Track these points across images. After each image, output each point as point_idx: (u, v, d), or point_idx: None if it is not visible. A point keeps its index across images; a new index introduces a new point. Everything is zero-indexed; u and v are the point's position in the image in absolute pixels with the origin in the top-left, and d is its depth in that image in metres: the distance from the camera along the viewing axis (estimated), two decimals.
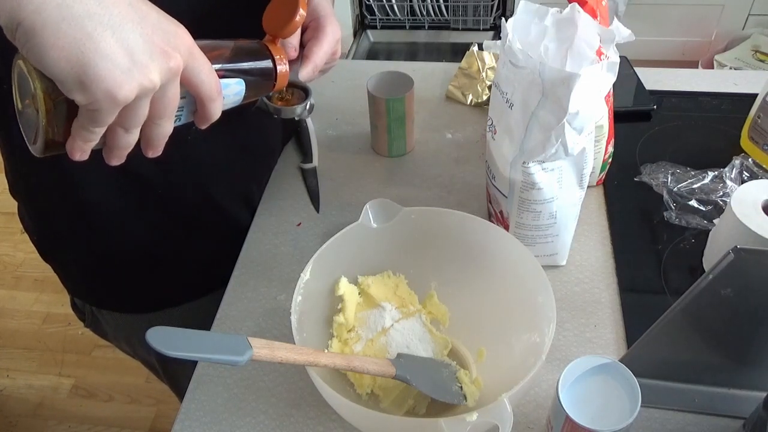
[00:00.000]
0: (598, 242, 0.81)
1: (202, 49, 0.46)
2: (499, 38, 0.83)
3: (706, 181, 0.85)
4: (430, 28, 2.08)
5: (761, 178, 0.84)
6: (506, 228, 0.74)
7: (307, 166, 0.94)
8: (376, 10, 2.07)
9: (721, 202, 0.82)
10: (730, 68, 2.07)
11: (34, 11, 0.37)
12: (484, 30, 2.05)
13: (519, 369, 0.58)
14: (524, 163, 0.67)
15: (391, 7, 2.02)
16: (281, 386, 0.69)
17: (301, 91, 0.63)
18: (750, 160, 0.86)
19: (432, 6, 2.00)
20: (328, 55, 0.62)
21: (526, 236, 0.74)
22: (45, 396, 1.76)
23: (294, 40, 0.59)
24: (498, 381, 0.62)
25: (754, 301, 0.56)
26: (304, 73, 0.60)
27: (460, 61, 1.08)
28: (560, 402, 0.54)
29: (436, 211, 0.70)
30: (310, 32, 0.62)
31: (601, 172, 0.86)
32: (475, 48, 1.09)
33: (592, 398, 0.55)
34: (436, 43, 2.09)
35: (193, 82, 0.45)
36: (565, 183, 0.69)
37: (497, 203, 0.75)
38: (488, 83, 1.03)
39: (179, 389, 0.96)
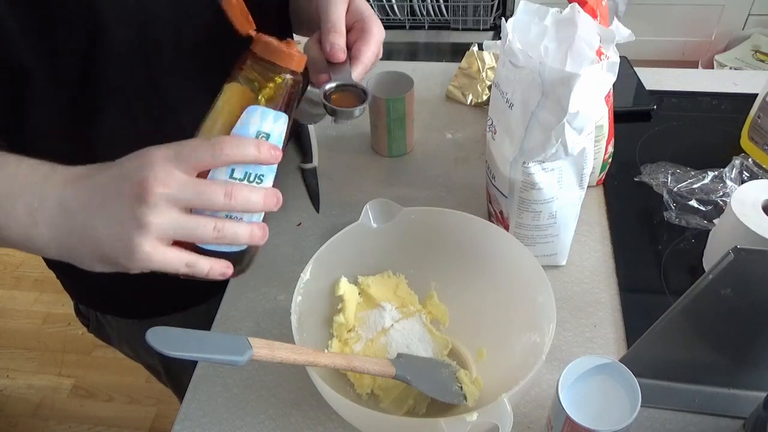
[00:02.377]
0: (598, 242, 0.81)
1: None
2: (499, 38, 0.83)
3: (706, 181, 0.85)
4: (430, 28, 2.08)
5: (761, 178, 0.84)
6: (506, 228, 0.74)
7: (307, 166, 0.94)
8: (376, 10, 2.07)
9: (721, 202, 0.82)
10: (730, 68, 2.06)
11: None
12: (484, 30, 2.04)
13: (519, 369, 0.58)
14: (524, 163, 0.67)
15: (391, 7, 2.02)
16: (281, 386, 0.69)
17: (359, 91, 0.61)
18: (750, 160, 0.86)
19: (432, 6, 2.00)
20: (375, 56, 0.62)
21: (526, 236, 0.74)
22: (45, 396, 1.76)
23: (341, 41, 0.59)
24: (498, 381, 0.62)
25: (754, 301, 0.55)
26: (356, 75, 0.60)
27: (460, 61, 1.08)
28: (560, 402, 0.54)
29: (436, 211, 0.70)
30: (355, 33, 0.62)
31: (601, 172, 0.86)
32: (475, 48, 1.09)
33: (592, 398, 0.55)
34: (436, 43, 2.09)
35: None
36: (565, 183, 0.69)
37: (497, 203, 0.75)
38: (488, 83, 1.03)
39: (182, 392, 0.96)
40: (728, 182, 0.84)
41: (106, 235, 0.45)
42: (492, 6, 1.98)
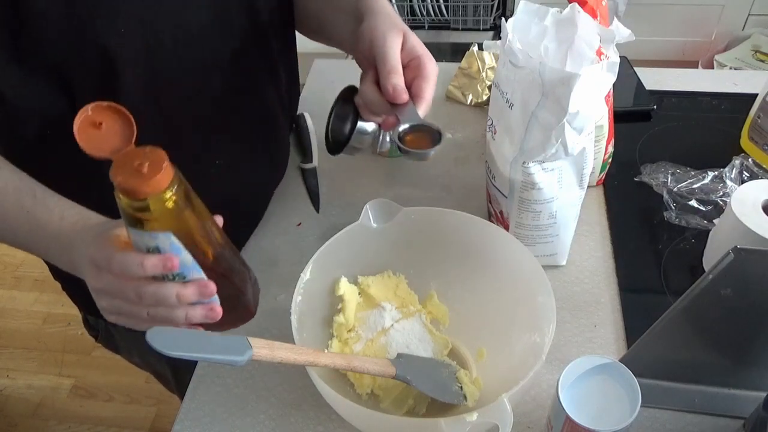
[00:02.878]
0: (598, 242, 0.81)
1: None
2: (499, 38, 0.83)
3: (706, 181, 0.85)
4: (430, 28, 2.08)
5: (761, 178, 0.84)
6: (506, 228, 0.74)
7: (307, 166, 0.94)
8: None
9: (721, 202, 0.82)
10: (730, 68, 2.06)
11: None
12: (484, 30, 2.04)
13: (519, 369, 0.58)
14: (524, 163, 0.67)
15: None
16: (281, 386, 0.69)
17: (432, 131, 0.61)
18: (750, 160, 0.86)
19: (432, 6, 2.00)
20: (434, 91, 0.62)
21: (526, 236, 0.74)
22: (45, 396, 1.76)
23: (402, 82, 0.60)
24: (498, 381, 0.62)
25: (754, 301, 0.55)
26: (422, 112, 0.61)
27: (460, 61, 1.08)
28: (560, 402, 0.54)
29: (436, 211, 0.70)
30: (411, 71, 0.62)
31: (601, 172, 0.86)
32: (475, 48, 1.09)
33: (592, 398, 0.55)
34: (436, 43, 2.09)
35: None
36: (565, 183, 0.69)
37: (497, 203, 0.75)
38: (488, 83, 1.03)
39: None
40: (728, 182, 0.84)
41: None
42: (492, 6, 1.98)
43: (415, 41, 0.63)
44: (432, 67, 0.62)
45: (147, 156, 0.44)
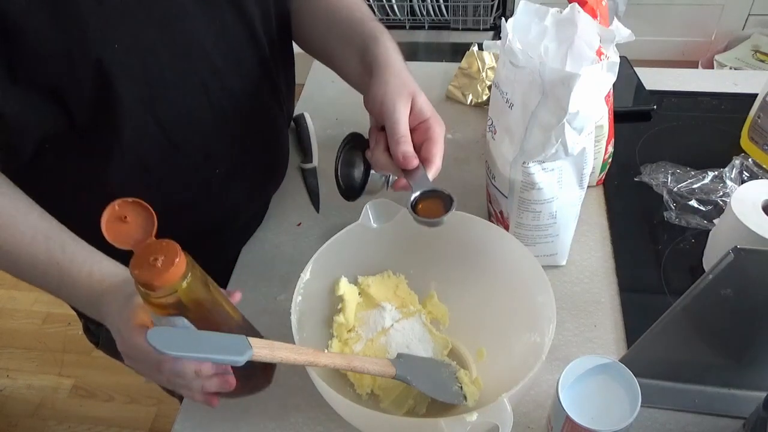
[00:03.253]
0: (598, 242, 0.81)
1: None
2: (499, 38, 0.83)
3: (706, 181, 0.85)
4: (430, 28, 2.08)
5: (761, 178, 0.84)
6: (506, 228, 0.74)
7: (307, 166, 0.94)
8: (376, 10, 2.07)
9: (721, 202, 0.82)
10: (730, 68, 2.06)
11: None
12: (484, 30, 2.04)
13: (519, 369, 0.58)
14: (524, 163, 0.67)
15: (391, 7, 2.02)
16: (281, 386, 0.69)
17: (443, 195, 0.61)
18: (750, 160, 0.86)
19: (432, 6, 2.00)
20: (443, 153, 0.63)
21: (526, 236, 0.74)
22: (45, 396, 1.76)
23: (411, 149, 0.61)
24: (498, 381, 0.62)
25: (754, 301, 0.55)
26: (431, 175, 0.62)
27: (460, 61, 1.08)
28: (560, 402, 0.54)
29: None
30: (420, 134, 0.63)
31: (601, 172, 0.86)
32: (475, 48, 1.09)
33: (592, 398, 0.55)
34: (436, 43, 2.09)
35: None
36: (565, 183, 0.69)
37: (497, 203, 0.75)
38: (488, 83, 1.03)
39: None
40: (728, 182, 0.84)
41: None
42: (492, 6, 1.98)
43: (423, 103, 0.64)
44: (440, 131, 0.64)
45: (163, 250, 0.48)
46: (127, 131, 0.63)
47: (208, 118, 0.70)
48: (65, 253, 0.61)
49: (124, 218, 0.49)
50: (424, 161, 0.62)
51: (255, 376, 0.62)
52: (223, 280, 0.79)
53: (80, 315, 0.89)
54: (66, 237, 0.62)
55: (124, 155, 0.65)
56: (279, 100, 0.83)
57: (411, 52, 2.08)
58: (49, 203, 0.63)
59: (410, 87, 0.64)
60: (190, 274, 0.49)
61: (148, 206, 0.50)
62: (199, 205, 0.77)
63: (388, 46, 0.68)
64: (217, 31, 0.67)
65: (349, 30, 0.74)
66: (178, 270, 0.48)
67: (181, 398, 0.72)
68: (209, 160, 0.73)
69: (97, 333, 0.90)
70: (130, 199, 0.49)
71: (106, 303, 0.59)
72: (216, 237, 0.81)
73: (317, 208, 0.89)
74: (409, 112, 0.63)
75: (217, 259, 0.82)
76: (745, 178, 0.85)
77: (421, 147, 0.63)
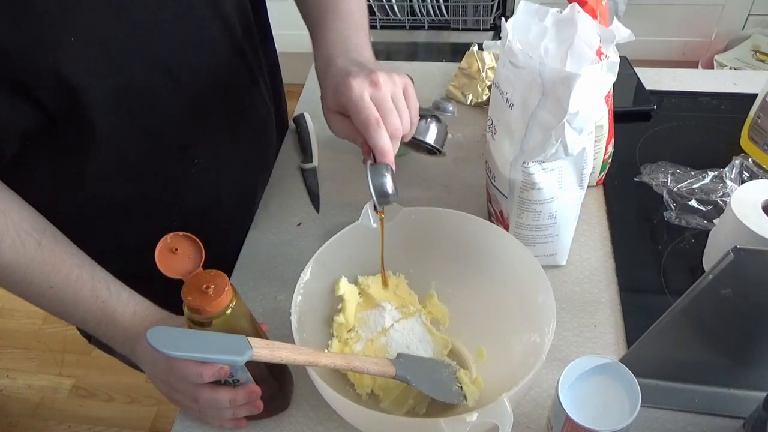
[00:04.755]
0: (598, 242, 0.81)
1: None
2: (499, 38, 0.83)
3: (706, 181, 0.85)
4: (430, 28, 2.08)
5: (761, 178, 0.84)
6: (506, 228, 0.74)
7: (307, 166, 0.94)
8: (376, 10, 2.07)
9: (721, 202, 0.82)
10: (730, 68, 2.06)
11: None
12: (484, 30, 2.04)
13: (519, 369, 0.58)
14: (524, 163, 0.67)
15: (391, 7, 2.02)
16: None
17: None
18: (750, 160, 0.86)
19: (432, 6, 2.00)
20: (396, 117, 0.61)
21: (526, 236, 0.74)
22: (45, 396, 1.76)
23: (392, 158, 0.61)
24: (498, 381, 0.62)
25: (754, 301, 0.55)
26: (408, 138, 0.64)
27: (460, 61, 1.08)
28: (560, 402, 0.54)
29: (436, 211, 0.70)
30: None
31: (601, 172, 0.86)
32: (475, 48, 1.09)
33: (592, 398, 0.55)
34: (436, 43, 2.09)
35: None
36: (565, 183, 0.69)
37: (497, 203, 0.75)
38: (488, 83, 1.03)
39: None
40: (728, 182, 0.84)
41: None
42: (492, 6, 1.98)
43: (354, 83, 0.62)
44: (368, 113, 0.61)
45: (212, 279, 0.54)
46: (99, 123, 0.62)
47: (179, 102, 0.69)
48: (110, 292, 0.64)
49: (175, 250, 0.54)
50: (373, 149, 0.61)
51: (276, 399, 0.66)
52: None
53: None
54: (108, 277, 0.65)
55: (101, 148, 0.65)
56: (256, 80, 0.81)
57: (411, 52, 2.08)
58: (32, 200, 0.62)
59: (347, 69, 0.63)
60: (234, 302, 0.55)
61: (197, 239, 0.55)
62: (179, 196, 0.76)
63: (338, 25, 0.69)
64: (176, 10, 0.65)
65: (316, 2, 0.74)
66: (227, 298, 0.54)
67: None
68: (186, 151, 0.73)
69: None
70: (181, 233, 0.54)
71: (143, 338, 0.60)
72: (199, 232, 0.81)
73: (317, 208, 0.89)
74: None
75: (216, 260, 0.82)
76: (745, 178, 0.85)
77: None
